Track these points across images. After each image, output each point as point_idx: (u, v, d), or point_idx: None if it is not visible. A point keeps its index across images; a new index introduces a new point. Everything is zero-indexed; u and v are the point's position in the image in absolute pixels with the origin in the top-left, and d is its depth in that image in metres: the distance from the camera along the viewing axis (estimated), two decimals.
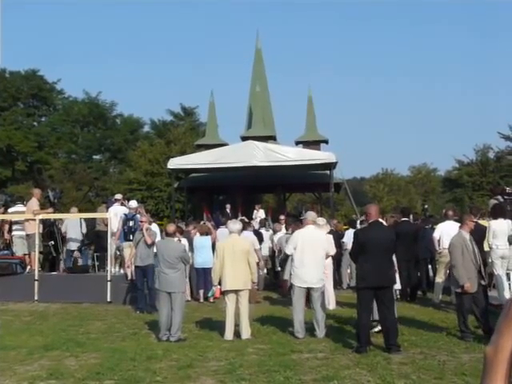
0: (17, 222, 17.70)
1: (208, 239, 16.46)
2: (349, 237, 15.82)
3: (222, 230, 17.43)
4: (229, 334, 10.87)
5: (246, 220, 21.18)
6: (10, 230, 18.02)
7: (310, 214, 11.89)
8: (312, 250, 11.01)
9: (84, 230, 18.83)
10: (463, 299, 10.49)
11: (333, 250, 13.71)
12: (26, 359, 9.50)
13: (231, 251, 11.00)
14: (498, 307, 12.85)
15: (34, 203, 17.21)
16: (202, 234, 16.70)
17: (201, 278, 16.13)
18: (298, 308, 10.94)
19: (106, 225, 17.04)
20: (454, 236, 11.05)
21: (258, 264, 16.08)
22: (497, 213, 13.97)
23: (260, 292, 16.74)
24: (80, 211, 21.35)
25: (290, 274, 11.63)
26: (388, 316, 9.60)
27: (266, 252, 18.60)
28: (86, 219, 19.50)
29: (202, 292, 16.09)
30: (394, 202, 60.52)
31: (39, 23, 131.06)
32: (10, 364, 9.17)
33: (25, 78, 57.02)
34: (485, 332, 10.44)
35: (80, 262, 18.69)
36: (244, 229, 16.97)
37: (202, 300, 15.96)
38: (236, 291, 11.00)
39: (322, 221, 13.74)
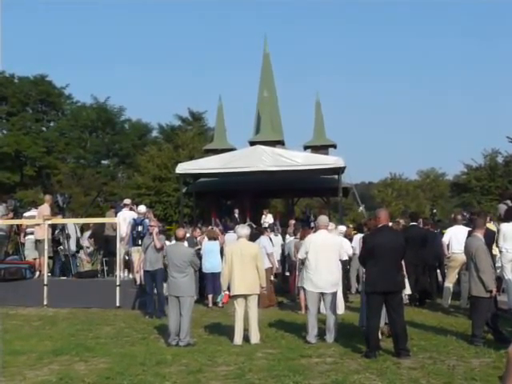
0: (29, 227, 17.76)
1: (216, 244, 16.48)
2: (357, 241, 15.80)
3: (230, 235, 17.44)
4: (238, 338, 10.87)
5: (254, 225, 21.19)
6: (25, 234, 18.08)
7: (322, 219, 11.86)
8: (325, 255, 10.99)
9: (79, 235, 18.95)
10: (484, 304, 10.34)
11: (345, 255, 13.77)
12: (35, 364, 9.54)
13: (240, 256, 10.98)
14: (507, 312, 12.82)
15: (45, 209, 17.26)
16: (210, 239, 16.73)
17: (209, 282, 16.14)
18: (312, 313, 10.92)
19: (115, 230, 17.05)
20: (471, 240, 10.87)
21: (271, 268, 16.12)
22: (509, 216, 13.84)
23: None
24: (88, 216, 21.41)
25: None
26: (397, 321, 9.58)
27: (276, 257, 18.57)
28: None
29: (210, 297, 16.10)
30: (402, 207, 60.44)
31: (48, 29, 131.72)
32: (20, 369, 9.20)
33: (33, 83, 57.10)
34: (494, 337, 10.40)
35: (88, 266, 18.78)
36: (261, 234, 17.05)
37: (210, 305, 15.97)
38: (245, 296, 10.99)
39: (330, 225, 13.73)
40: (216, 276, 15.67)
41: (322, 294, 11.01)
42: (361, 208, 26.87)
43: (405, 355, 9.30)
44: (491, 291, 10.24)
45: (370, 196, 69.21)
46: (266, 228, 18.77)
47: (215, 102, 34.80)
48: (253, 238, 15.66)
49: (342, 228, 17.49)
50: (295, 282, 15.47)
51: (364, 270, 10.60)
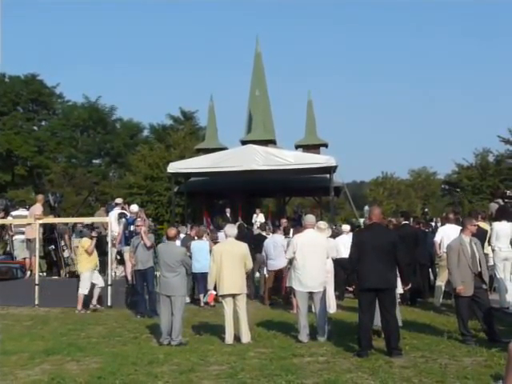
0: (18, 226, 17.67)
1: (206, 243, 16.40)
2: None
3: (222, 234, 17.40)
4: (229, 338, 10.86)
5: (245, 225, 21.13)
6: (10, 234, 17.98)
7: (309, 218, 11.84)
8: (313, 254, 10.97)
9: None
10: (460, 302, 10.51)
11: (334, 253, 13.72)
12: (27, 364, 9.50)
13: (229, 255, 10.96)
14: (498, 310, 12.83)
15: (37, 208, 17.19)
16: (199, 238, 16.67)
17: (200, 282, 16.06)
18: (302, 312, 10.91)
19: (106, 229, 17.00)
20: (453, 239, 11.08)
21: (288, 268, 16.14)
22: (501, 215, 13.89)
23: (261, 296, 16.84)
24: (80, 216, 21.32)
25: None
26: (389, 319, 9.55)
27: None
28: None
29: (202, 296, 16.07)
30: (393, 206, 60.52)
31: (38, 27, 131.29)
32: (12, 369, 9.17)
33: (24, 82, 57.06)
34: (488, 335, 10.40)
35: None
36: (273, 232, 17.05)
37: (202, 304, 15.93)
38: (233, 295, 10.97)
39: (323, 224, 13.72)
40: (206, 276, 15.67)
41: (311, 293, 11.01)
42: (366, 207, 26.91)
43: (396, 354, 9.30)
44: (455, 289, 10.44)
45: (361, 195, 69.33)
46: (278, 226, 18.69)
47: (207, 101, 34.74)
48: (246, 237, 15.67)
49: (346, 227, 17.48)
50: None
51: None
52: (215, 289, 11.44)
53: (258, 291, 17.44)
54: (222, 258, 10.95)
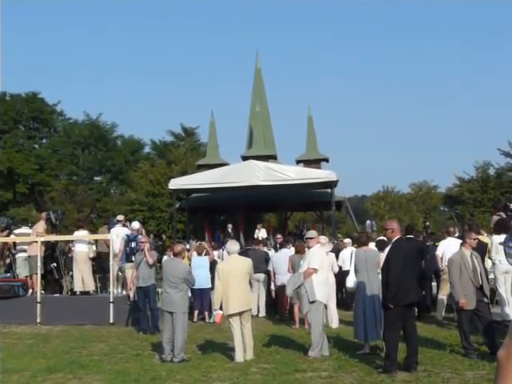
0: (20, 244, 17.67)
1: (205, 259, 16.39)
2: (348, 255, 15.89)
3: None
4: (239, 356, 10.62)
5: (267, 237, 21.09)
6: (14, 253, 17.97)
7: (311, 233, 11.86)
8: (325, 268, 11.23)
9: None
10: (462, 316, 10.50)
11: (335, 268, 13.78)
12: (29, 382, 9.49)
13: (233, 273, 10.82)
14: (500, 324, 12.80)
15: (40, 226, 17.20)
16: (199, 254, 16.64)
17: (197, 298, 16.03)
18: (321, 323, 10.98)
19: (108, 246, 17.00)
20: (454, 253, 11.09)
21: None
22: (500, 228, 13.90)
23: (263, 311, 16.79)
24: None
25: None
26: (414, 333, 9.49)
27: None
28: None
29: (196, 312, 16.03)
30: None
31: (39, 46, 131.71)
32: None
33: (25, 100, 57.33)
34: (490, 349, 10.37)
35: None
36: (283, 247, 17.05)
37: (195, 319, 15.85)
38: (240, 313, 10.85)
39: (324, 239, 13.73)
40: (204, 292, 15.65)
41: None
42: (368, 222, 26.87)
43: (415, 368, 9.22)
44: (458, 303, 10.40)
45: (363, 209, 69.21)
46: (287, 241, 18.67)
47: (207, 117, 34.79)
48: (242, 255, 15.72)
49: (348, 240, 17.71)
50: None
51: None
52: (221, 308, 11.29)
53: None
54: (229, 276, 10.78)
